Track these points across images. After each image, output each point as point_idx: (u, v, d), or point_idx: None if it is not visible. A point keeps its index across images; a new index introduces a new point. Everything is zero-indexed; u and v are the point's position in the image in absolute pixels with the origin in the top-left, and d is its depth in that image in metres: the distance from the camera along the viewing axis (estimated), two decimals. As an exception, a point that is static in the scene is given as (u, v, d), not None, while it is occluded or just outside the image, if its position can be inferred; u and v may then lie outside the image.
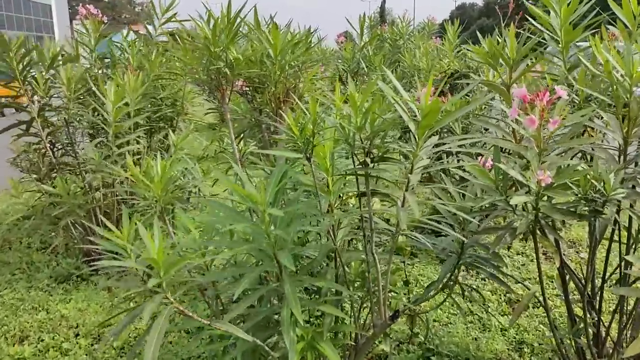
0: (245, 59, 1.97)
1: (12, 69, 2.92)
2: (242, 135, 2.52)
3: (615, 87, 1.46)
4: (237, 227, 1.25)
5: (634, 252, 1.69)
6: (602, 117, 1.56)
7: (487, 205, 1.48)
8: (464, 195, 1.55)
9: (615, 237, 1.70)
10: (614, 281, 1.98)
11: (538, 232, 1.48)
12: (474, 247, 1.59)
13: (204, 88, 2.33)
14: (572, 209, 1.40)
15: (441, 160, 2.48)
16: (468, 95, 3.00)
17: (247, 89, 2.38)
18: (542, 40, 1.68)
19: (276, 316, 1.46)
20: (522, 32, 1.66)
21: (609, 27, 1.77)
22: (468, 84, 2.87)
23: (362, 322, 1.79)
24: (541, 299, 1.65)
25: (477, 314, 2.56)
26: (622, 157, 1.50)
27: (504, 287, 1.62)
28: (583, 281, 1.74)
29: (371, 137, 1.30)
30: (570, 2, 1.60)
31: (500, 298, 2.73)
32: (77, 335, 2.44)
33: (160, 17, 3.37)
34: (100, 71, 3.29)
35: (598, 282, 1.80)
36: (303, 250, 1.54)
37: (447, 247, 1.63)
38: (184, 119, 3.49)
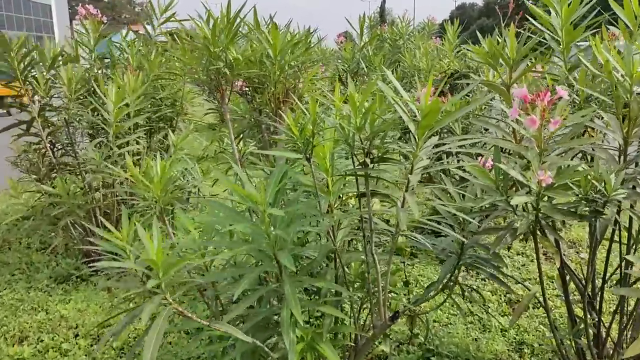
0: (245, 59, 1.97)
1: (13, 68, 2.93)
2: (241, 135, 2.52)
3: (615, 87, 1.46)
4: (236, 227, 1.25)
5: (634, 253, 1.68)
6: (602, 118, 1.55)
7: (487, 206, 1.48)
8: (463, 195, 1.54)
9: (616, 238, 1.69)
10: (615, 282, 1.98)
11: (538, 232, 1.48)
12: (474, 247, 1.59)
13: (204, 88, 2.32)
14: (572, 210, 1.40)
15: (441, 161, 2.48)
16: (468, 96, 3.00)
17: (247, 89, 2.37)
18: (542, 40, 1.68)
19: (276, 317, 1.45)
20: (522, 31, 1.66)
21: (610, 27, 1.77)
22: (468, 84, 2.86)
23: (361, 322, 1.79)
24: (541, 299, 1.65)
25: (477, 315, 2.56)
26: (622, 158, 1.50)
27: (504, 287, 1.62)
28: (583, 282, 1.74)
29: (371, 137, 1.30)
30: (571, 2, 1.60)
31: (501, 298, 2.73)
32: (76, 335, 2.44)
33: (159, 17, 3.37)
34: (100, 71, 3.29)
35: (598, 282, 1.79)
36: (303, 250, 1.54)
37: (446, 247, 1.63)
38: (183, 119, 3.49)
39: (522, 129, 1.31)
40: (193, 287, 1.50)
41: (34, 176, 3.11)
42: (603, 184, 1.33)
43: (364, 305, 1.74)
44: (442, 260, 1.92)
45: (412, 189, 1.26)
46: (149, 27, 3.44)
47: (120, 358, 2.25)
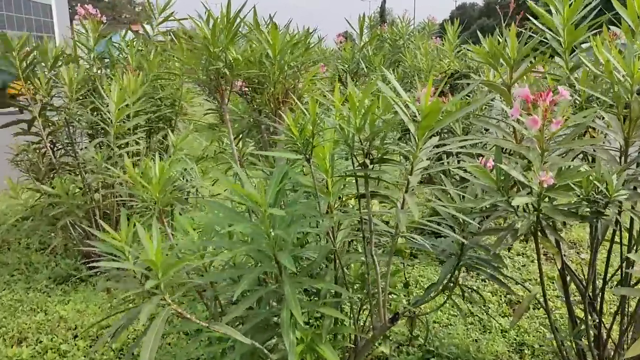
0: (245, 59, 1.96)
1: (15, 67, 2.93)
2: (240, 135, 2.51)
3: (616, 87, 1.45)
4: (236, 227, 1.24)
5: (635, 253, 1.68)
6: (603, 118, 1.55)
7: (487, 206, 1.47)
8: (463, 196, 1.54)
9: (616, 239, 1.69)
10: (615, 283, 1.97)
11: (539, 233, 1.47)
12: (474, 248, 1.58)
13: (204, 88, 2.32)
14: (573, 210, 1.39)
15: (441, 161, 2.47)
16: (468, 96, 2.99)
17: (247, 89, 2.37)
18: (544, 40, 1.67)
19: (275, 318, 1.45)
20: (523, 30, 1.65)
21: (612, 27, 1.76)
22: (468, 84, 2.86)
23: (361, 324, 1.78)
24: (542, 300, 1.64)
25: (477, 316, 2.55)
26: (623, 158, 1.50)
27: (505, 288, 1.61)
28: (584, 282, 1.73)
29: (370, 138, 1.30)
30: (572, 2, 1.59)
31: (501, 299, 2.72)
32: (75, 336, 2.43)
33: (157, 16, 3.37)
34: (99, 71, 3.29)
35: (599, 283, 1.79)
36: (302, 251, 1.53)
37: (446, 248, 1.63)
38: (182, 119, 3.48)
39: (524, 129, 1.31)
40: (192, 288, 1.49)
41: (34, 176, 3.10)
42: (605, 184, 1.32)
43: (364, 307, 1.73)
44: (442, 261, 1.91)
45: (412, 190, 1.26)
46: (148, 27, 3.43)
47: (119, 359, 2.25)
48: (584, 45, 1.73)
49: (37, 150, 3.16)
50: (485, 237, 1.60)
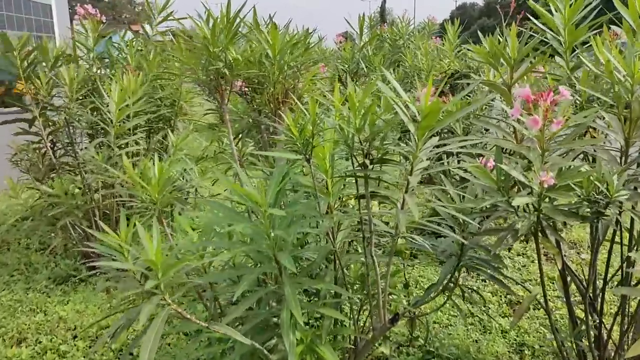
0: (244, 59, 1.96)
1: (16, 67, 2.93)
2: (240, 135, 2.51)
3: (616, 87, 1.44)
4: (236, 227, 1.24)
5: (636, 252, 1.67)
6: (604, 118, 1.54)
7: (488, 207, 1.47)
8: (463, 196, 1.53)
9: (617, 239, 1.68)
10: (616, 283, 1.97)
11: (539, 233, 1.46)
12: (474, 248, 1.58)
13: (204, 88, 2.31)
14: (574, 211, 1.39)
15: (441, 161, 2.47)
16: (469, 96, 2.99)
17: (246, 89, 2.37)
18: (544, 40, 1.67)
19: (275, 319, 1.44)
20: (524, 30, 1.65)
21: (613, 26, 1.76)
22: (468, 84, 2.85)
23: (361, 324, 1.78)
24: (542, 300, 1.64)
25: (477, 316, 2.55)
26: (623, 159, 1.49)
27: (505, 288, 1.61)
28: (584, 283, 1.73)
29: (370, 138, 1.29)
30: (573, 2, 1.59)
31: (501, 300, 2.72)
32: (75, 337, 2.43)
33: (156, 16, 3.36)
34: (99, 71, 3.28)
35: (599, 283, 1.78)
36: (302, 252, 1.53)
37: (447, 248, 1.62)
38: (182, 119, 3.48)
39: (524, 129, 1.30)
40: (192, 288, 1.49)
41: (34, 176, 3.10)
42: (605, 185, 1.32)
43: (364, 307, 1.73)
44: (442, 262, 1.91)
45: (412, 190, 1.25)
46: (147, 27, 3.43)
47: (119, 359, 2.24)
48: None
49: (37, 150, 3.15)
50: (485, 237, 1.59)
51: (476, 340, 2.35)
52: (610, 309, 2.48)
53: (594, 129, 1.68)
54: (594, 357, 1.72)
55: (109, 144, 2.77)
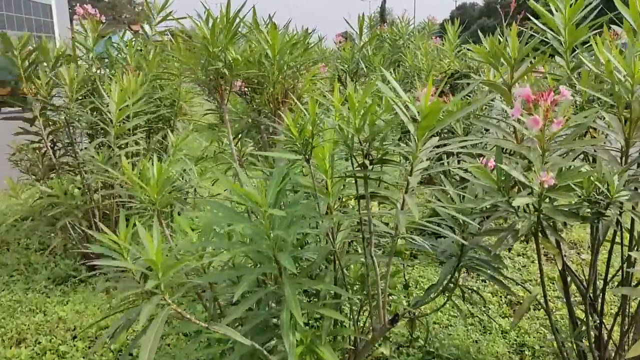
0: (244, 59, 1.96)
1: (17, 67, 2.93)
2: (240, 135, 2.51)
3: (617, 87, 1.44)
4: (236, 227, 1.23)
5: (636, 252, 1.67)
6: (604, 118, 1.54)
7: (488, 207, 1.46)
8: (463, 197, 1.53)
9: (617, 239, 1.68)
10: (616, 283, 1.97)
11: (540, 233, 1.46)
12: (474, 249, 1.57)
13: (203, 88, 2.31)
14: (574, 211, 1.39)
15: (441, 162, 2.47)
16: (469, 96, 2.98)
17: (246, 89, 2.36)
18: (545, 40, 1.66)
19: (275, 319, 1.44)
20: (524, 30, 1.64)
21: (613, 26, 1.75)
22: (469, 84, 2.85)
23: (361, 325, 1.77)
24: (542, 301, 1.63)
25: (477, 317, 2.55)
26: (624, 159, 1.49)
27: (505, 289, 1.61)
28: (585, 283, 1.73)
29: (370, 139, 1.29)
30: (572, 2, 1.58)
31: (501, 300, 2.71)
32: (74, 337, 2.43)
33: (156, 16, 3.36)
34: (98, 71, 3.28)
35: (600, 284, 1.78)
36: (302, 252, 1.53)
37: (447, 249, 1.62)
38: (182, 120, 3.48)
39: (524, 129, 1.30)
40: (191, 288, 1.48)
41: (34, 176, 3.10)
42: (605, 185, 1.32)
43: (364, 308, 1.73)
44: (442, 262, 1.91)
45: (412, 191, 1.25)
46: (146, 27, 3.43)
47: (119, 360, 2.24)
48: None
49: (37, 150, 3.15)
50: (485, 237, 1.59)
51: (476, 341, 2.35)
52: (611, 309, 2.48)
53: (595, 129, 1.68)
54: (594, 358, 1.72)
55: (109, 144, 2.76)
